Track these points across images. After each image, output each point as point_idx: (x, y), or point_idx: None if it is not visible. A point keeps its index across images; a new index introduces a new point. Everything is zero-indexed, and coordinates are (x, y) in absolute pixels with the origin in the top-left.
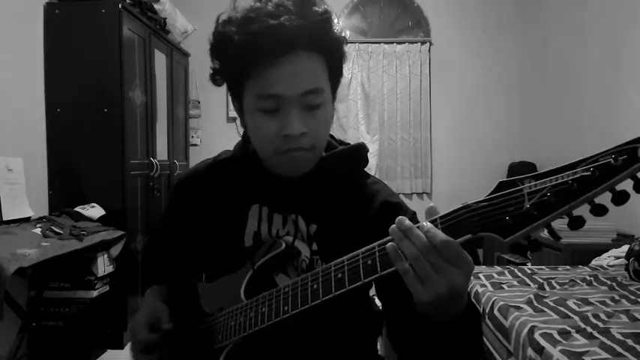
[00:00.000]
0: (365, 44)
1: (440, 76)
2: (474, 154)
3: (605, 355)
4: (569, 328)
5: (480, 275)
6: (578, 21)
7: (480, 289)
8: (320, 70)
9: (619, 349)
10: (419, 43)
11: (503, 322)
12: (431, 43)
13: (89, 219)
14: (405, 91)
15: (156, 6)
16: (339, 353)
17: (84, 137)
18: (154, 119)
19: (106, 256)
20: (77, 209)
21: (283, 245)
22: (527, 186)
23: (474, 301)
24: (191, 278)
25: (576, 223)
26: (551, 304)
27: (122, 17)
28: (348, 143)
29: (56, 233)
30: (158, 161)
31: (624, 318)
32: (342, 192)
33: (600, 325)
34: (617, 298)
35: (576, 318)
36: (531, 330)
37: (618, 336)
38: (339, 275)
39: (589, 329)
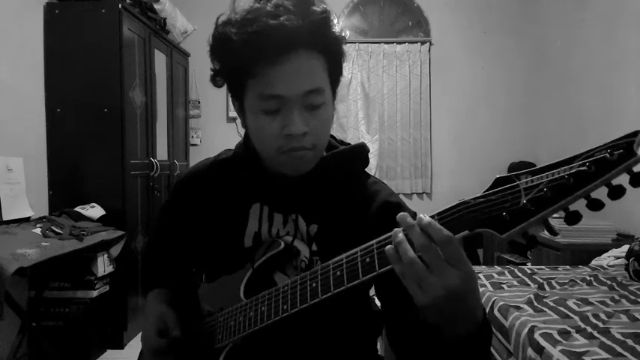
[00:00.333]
0: (365, 44)
1: (440, 76)
2: (473, 154)
3: (605, 355)
4: (569, 328)
5: (480, 275)
6: (578, 21)
7: (480, 289)
8: (320, 70)
9: (619, 349)
10: (419, 43)
11: (503, 322)
12: (431, 43)
13: (89, 219)
14: (405, 91)
15: (156, 6)
16: (338, 353)
17: (84, 137)
18: (154, 119)
19: (106, 256)
20: (77, 209)
21: (282, 245)
22: (523, 182)
23: (490, 325)
24: (191, 278)
25: (573, 218)
26: (551, 304)
27: (122, 17)
28: (349, 143)
29: (56, 233)
30: (158, 161)
31: (624, 318)
32: (343, 192)
33: (600, 325)
34: (617, 298)
35: (576, 318)
36: (531, 330)
37: (618, 336)
38: (338, 273)
39: (589, 329)
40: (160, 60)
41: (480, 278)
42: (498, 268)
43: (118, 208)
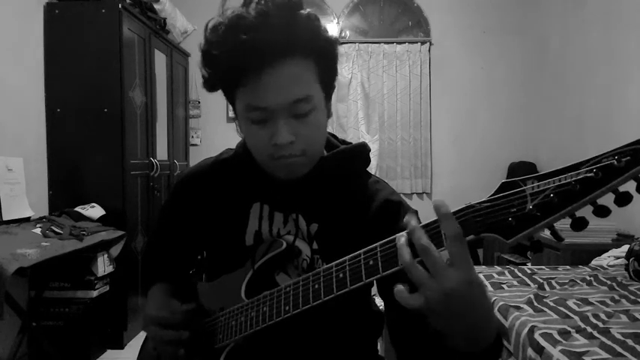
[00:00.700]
0: (365, 44)
1: (440, 76)
2: (473, 154)
3: (605, 355)
4: (569, 328)
5: (480, 275)
6: (578, 21)
7: None
8: (308, 76)
9: (619, 349)
10: (419, 43)
11: (503, 322)
12: (431, 43)
13: (89, 219)
14: (405, 91)
15: (156, 6)
16: (339, 353)
17: (84, 137)
18: (154, 119)
19: (106, 256)
20: (77, 209)
21: (284, 245)
22: (529, 187)
23: (504, 342)
24: (192, 277)
25: (579, 225)
26: (551, 304)
27: (122, 17)
28: (350, 143)
29: (56, 233)
30: (158, 161)
31: (624, 318)
32: (343, 191)
33: (600, 325)
34: (617, 298)
35: (576, 318)
36: (531, 330)
37: (618, 336)
38: (341, 275)
39: (589, 329)
40: (159, 60)
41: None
42: (498, 268)
43: (118, 208)
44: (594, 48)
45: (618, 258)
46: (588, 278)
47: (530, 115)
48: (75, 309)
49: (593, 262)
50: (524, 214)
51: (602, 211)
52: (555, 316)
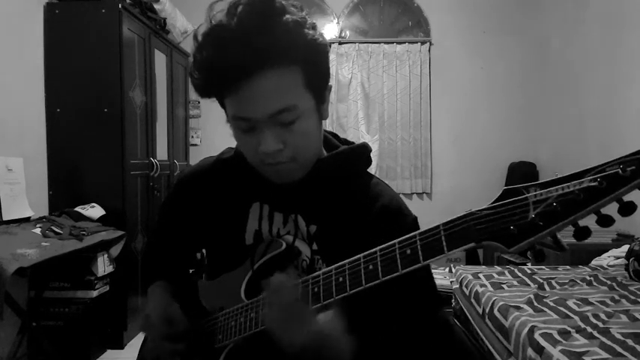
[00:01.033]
0: (365, 44)
1: (440, 76)
2: (473, 154)
3: (605, 355)
4: (569, 328)
5: (480, 275)
6: (578, 21)
7: (480, 289)
8: (291, 84)
9: (619, 349)
10: (419, 43)
11: (503, 322)
12: (431, 43)
13: (89, 219)
14: (405, 91)
15: (156, 6)
16: None
17: (84, 137)
18: (154, 119)
19: (106, 256)
20: (77, 209)
21: (284, 245)
22: (532, 195)
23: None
24: (192, 276)
25: (582, 234)
26: (551, 304)
27: (122, 17)
28: (352, 142)
29: (56, 233)
30: (158, 161)
31: (624, 318)
32: (343, 193)
33: (600, 325)
34: (617, 298)
35: (576, 318)
36: (531, 330)
37: (618, 336)
38: (340, 279)
39: (589, 329)
40: (160, 60)
41: (479, 278)
42: (498, 268)
43: (118, 208)
44: (594, 48)
45: (618, 258)
46: (588, 278)
47: (530, 115)
48: (75, 309)
49: (593, 262)
50: (527, 222)
51: (606, 221)
52: (555, 316)
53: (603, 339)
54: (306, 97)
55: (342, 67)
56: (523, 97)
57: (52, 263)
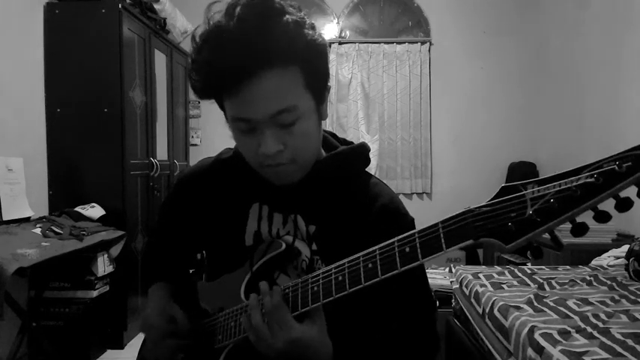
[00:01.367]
0: (365, 44)
1: (440, 76)
2: (473, 154)
3: (605, 355)
4: (569, 328)
5: (480, 275)
6: (578, 21)
7: (480, 289)
8: (291, 85)
9: (619, 349)
10: (419, 43)
11: (503, 322)
12: (431, 43)
13: (89, 219)
14: (405, 91)
15: (156, 6)
16: None
17: (84, 137)
18: (154, 119)
19: (106, 256)
20: (77, 209)
21: (283, 245)
22: (530, 191)
23: None
24: (192, 276)
25: (579, 230)
26: (551, 304)
27: (122, 17)
28: (352, 142)
29: (56, 233)
30: (158, 161)
31: (624, 318)
32: (342, 193)
33: (600, 325)
34: (617, 298)
35: (576, 318)
36: (531, 330)
37: (618, 336)
38: (340, 278)
39: (589, 329)
40: (159, 60)
41: (479, 278)
42: (498, 268)
43: (118, 208)
44: (594, 48)
45: (618, 258)
46: (588, 278)
47: (530, 115)
48: (75, 309)
49: (593, 262)
50: (524, 219)
51: (603, 217)
52: (555, 316)
53: (603, 339)
54: (305, 97)
55: (342, 67)
56: (523, 97)
57: (52, 263)
